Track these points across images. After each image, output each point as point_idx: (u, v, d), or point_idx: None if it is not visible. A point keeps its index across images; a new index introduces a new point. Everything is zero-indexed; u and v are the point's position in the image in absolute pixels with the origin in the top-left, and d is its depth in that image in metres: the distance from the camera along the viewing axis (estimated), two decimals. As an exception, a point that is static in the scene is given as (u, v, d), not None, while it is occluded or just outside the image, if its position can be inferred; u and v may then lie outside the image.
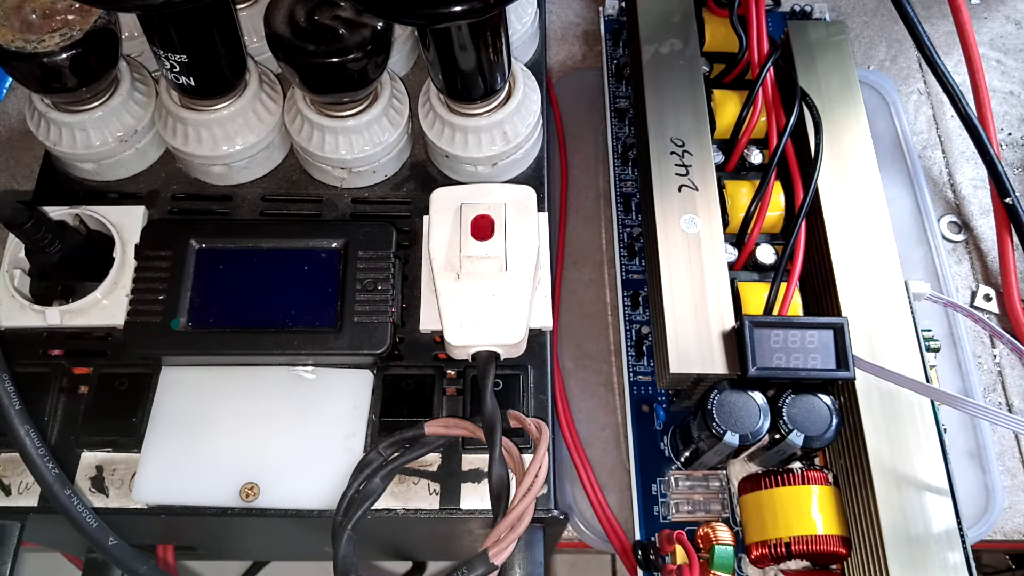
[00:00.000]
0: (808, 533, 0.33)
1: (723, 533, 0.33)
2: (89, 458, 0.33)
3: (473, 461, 0.34)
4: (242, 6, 0.39)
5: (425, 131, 0.37)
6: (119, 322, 0.34)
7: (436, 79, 0.35)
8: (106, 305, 0.35)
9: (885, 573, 0.31)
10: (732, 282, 0.38)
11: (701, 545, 0.34)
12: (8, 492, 0.33)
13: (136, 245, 0.35)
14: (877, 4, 0.55)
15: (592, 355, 0.42)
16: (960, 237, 0.47)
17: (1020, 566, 0.56)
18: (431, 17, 0.29)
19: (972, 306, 0.44)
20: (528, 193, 0.36)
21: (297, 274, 0.35)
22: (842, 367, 0.33)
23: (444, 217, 0.35)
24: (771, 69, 0.41)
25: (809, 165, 0.39)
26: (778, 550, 0.33)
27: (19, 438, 0.29)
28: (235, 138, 0.37)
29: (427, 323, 0.35)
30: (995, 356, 0.43)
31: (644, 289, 0.41)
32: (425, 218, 0.36)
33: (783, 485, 0.34)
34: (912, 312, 0.36)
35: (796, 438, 0.32)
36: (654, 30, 0.43)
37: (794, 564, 0.35)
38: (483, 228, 0.35)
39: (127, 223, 0.36)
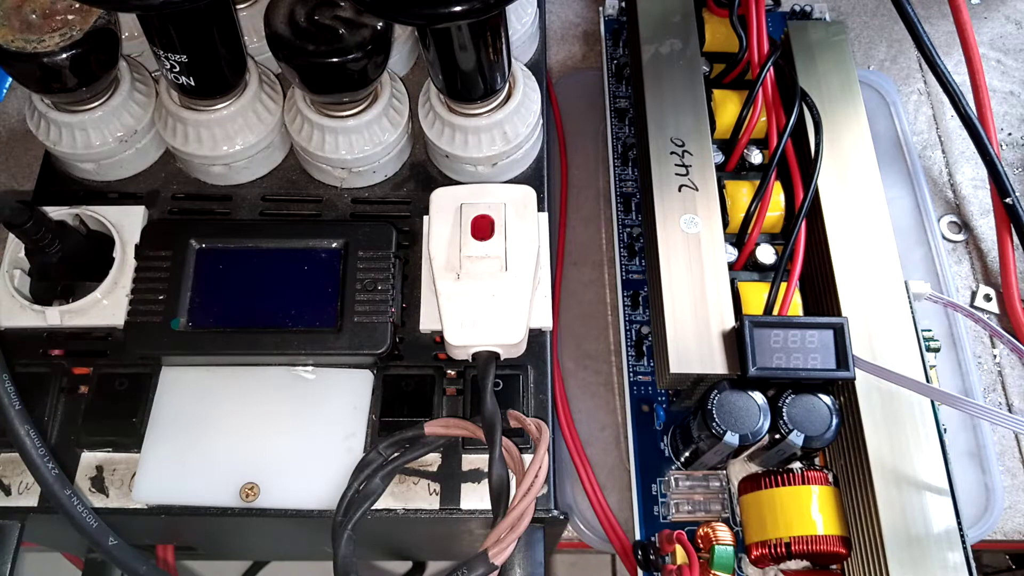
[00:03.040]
0: (808, 533, 0.33)
1: (723, 533, 0.33)
2: (89, 458, 0.33)
3: (473, 461, 0.34)
4: (242, 6, 0.39)
5: (425, 131, 0.37)
6: (119, 322, 0.34)
7: (436, 79, 0.35)
8: (106, 305, 0.35)
9: (885, 573, 0.31)
10: (732, 282, 0.38)
11: (701, 545, 0.34)
12: (8, 492, 0.33)
13: (136, 245, 0.35)
14: (877, 4, 0.55)
15: (592, 355, 0.42)
16: (960, 237, 0.47)
17: (1020, 566, 0.56)
18: (431, 17, 0.29)
19: (972, 306, 0.44)
20: (528, 193, 0.36)
21: (297, 274, 0.35)
22: (842, 367, 0.33)
23: (444, 217, 0.35)
24: (771, 69, 0.41)
25: (809, 165, 0.39)
26: (778, 550, 0.33)
27: (19, 438, 0.29)
28: (235, 138, 0.37)
29: (427, 323, 0.35)
30: (995, 356, 0.43)
31: (644, 289, 0.41)
32: (425, 218, 0.36)
33: (783, 485, 0.34)
34: (912, 312, 0.36)
35: (796, 438, 0.32)
36: (654, 30, 0.43)
37: (794, 564, 0.35)
38: (483, 228, 0.35)
39: (127, 223, 0.36)
